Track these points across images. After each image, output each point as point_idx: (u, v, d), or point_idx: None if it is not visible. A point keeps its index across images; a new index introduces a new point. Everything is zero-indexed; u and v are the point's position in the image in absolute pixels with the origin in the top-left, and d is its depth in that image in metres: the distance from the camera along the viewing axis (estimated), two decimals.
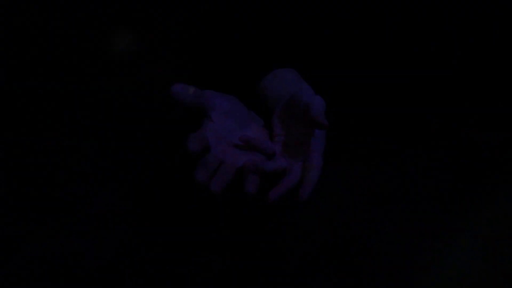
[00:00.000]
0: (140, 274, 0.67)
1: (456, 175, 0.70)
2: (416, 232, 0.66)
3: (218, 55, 0.80)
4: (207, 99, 0.69)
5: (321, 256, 0.65)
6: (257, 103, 0.76)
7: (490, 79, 0.77)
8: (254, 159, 0.68)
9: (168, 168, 0.75)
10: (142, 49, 0.82)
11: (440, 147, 0.73)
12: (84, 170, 0.75)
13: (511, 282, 0.61)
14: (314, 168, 0.66)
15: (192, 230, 0.70)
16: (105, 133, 0.78)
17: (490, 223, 0.65)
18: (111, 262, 0.68)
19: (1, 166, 0.75)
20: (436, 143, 0.74)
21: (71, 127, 0.78)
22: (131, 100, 0.80)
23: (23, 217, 0.72)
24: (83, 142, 0.77)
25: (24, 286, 0.66)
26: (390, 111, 0.77)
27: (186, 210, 0.71)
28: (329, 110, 0.76)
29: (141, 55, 0.82)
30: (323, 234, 0.67)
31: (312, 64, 0.77)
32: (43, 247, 0.69)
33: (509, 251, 0.63)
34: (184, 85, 0.68)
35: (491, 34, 0.78)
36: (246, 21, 0.78)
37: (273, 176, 0.68)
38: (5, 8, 0.80)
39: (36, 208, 0.72)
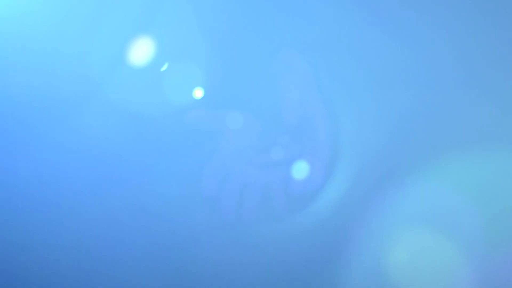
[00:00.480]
0: (142, 276, 0.67)
1: (456, 175, 0.70)
2: (416, 231, 0.66)
3: (220, 56, 0.80)
4: (222, 120, 0.67)
5: (320, 254, 0.66)
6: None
7: (490, 79, 0.77)
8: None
9: (170, 168, 0.76)
10: (145, 50, 0.83)
11: (439, 146, 0.73)
12: (85, 171, 0.75)
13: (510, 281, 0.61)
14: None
15: (192, 230, 0.70)
16: (108, 135, 0.78)
17: (490, 223, 0.65)
18: (111, 263, 0.68)
19: (2, 166, 0.76)
20: (436, 142, 0.74)
21: (74, 129, 0.79)
22: (134, 101, 0.81)
23: (23, 218, 0.72)
24: (86, 143, 0.78)
25: (24, 286, 0.66)
26: (391, 111, 0.77)
27: (186, 210, 0.72)
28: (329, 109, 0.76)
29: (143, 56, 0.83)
30: (323, 233, 0.67)
31: (311, 64, 0.78)
32: (43, 248, 0.70)
33: (508, 251, 0.63)
34: (199, 111, 0.65)
35: (490, 34, 0.78)
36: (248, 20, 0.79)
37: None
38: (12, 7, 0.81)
39: (36, 209, 0.73)
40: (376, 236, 0.66)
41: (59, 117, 0.78)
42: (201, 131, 0.68)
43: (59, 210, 0.73)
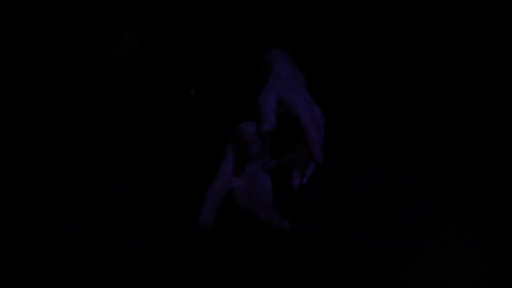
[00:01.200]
0: (141, 277, 0.67)
1: (455, 175, 0.70)
2: (415, 232, 0.66)
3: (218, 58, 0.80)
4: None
5: (320, 258, 0.66)
6: None
7: (490, 80, 0.77)
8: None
9: (171, 170, 0.76)
10: (141, 51, 0.83)
11: (439, 146, 0.74)
12: (86, 173, 0.75)
13: (509, 281, 0.61)
14: (306, 127, 0.62)
15: (190, 232, 0.70)
16: (108, 135, 0.78)
17: (489, 223, 0.65)
18: (111, 263, 0.68)
19: (3, 168, 0.76)
20: (435, 142, 0.74)
21: (75, 130, 0.79)
22: (134, 102, 0.81)
23: (24, 219, 0.72)
24: (89, 145, 0.78)
25: (25, 286, 0.66)
26: (390, 111, 0.77)
27: (185, 212, 0.72)
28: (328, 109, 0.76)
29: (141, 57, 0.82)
30: (322, 236, 0.67)
31: (310, 63, 0.78)
32: (43, 249, 0.70)
33: (507, 251, 0.63)
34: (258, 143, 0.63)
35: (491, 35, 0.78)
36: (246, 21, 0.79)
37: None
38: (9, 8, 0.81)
39: (37, 210, 0.73)
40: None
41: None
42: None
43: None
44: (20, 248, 0.69)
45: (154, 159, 0.77)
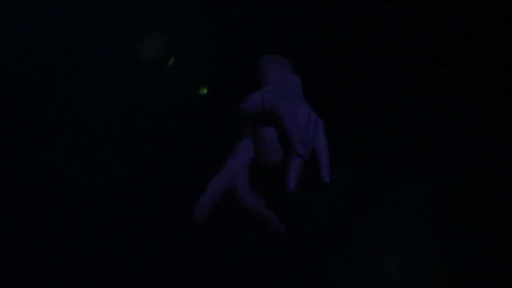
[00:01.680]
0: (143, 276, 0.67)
1: (455, 175, 0.70)
2: (415, 232, 0.66)
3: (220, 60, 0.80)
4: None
5: (317, 258, 0.66)
6: None
7: (489, 79, 0.77)
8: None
9: (170, 169, 0.76)
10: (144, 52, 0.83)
11: (438, 146, 0.74)
12: (87, 172, 0.76)
13: (509, 281, 0.61)
14: (286, 125, 0.60)
15: (191, 232, 0.70)
16: (110, 135, 0.79)
17: (488, 223, 0.65)
18: (112, 263, 0.68)
19: (5, 169, 0.76)
20: (434, 142, 0.74)
21: (77, 130, 0.79)
22: (134, 102, 0.81)
23: (25, 219, 0.72)
24: (90, 144, 0.78)
25: (27, 286, 0.67)
26: (390, 111, 0.77)
27: (186, 211, 0.72)
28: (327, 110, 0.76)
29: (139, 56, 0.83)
30: (320, 237, 0.67)
31: (309, 62, 0.78)
32: (45, 248, 0.70)
33: (506, 250, 0.63)
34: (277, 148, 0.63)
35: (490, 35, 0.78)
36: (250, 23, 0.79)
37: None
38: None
39: (39, 210, 0.73)
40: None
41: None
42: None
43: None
44: (21, 248, 0.70)
45: (155, 159, 0.77)
